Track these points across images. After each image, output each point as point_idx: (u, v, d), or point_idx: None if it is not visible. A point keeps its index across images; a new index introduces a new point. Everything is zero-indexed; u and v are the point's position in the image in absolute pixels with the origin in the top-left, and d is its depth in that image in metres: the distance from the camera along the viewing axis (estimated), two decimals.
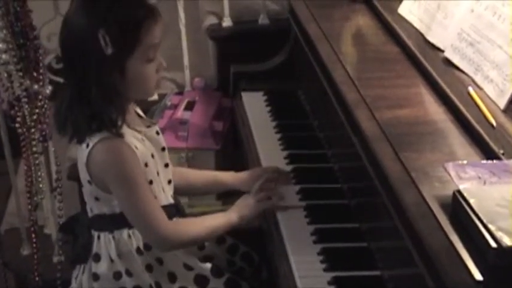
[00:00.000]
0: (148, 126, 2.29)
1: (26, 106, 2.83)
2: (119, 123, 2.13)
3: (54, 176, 3.02)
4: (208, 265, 2.33)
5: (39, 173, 2.99)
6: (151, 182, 2.23)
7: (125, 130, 2.18)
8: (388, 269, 2.03)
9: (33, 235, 3.06)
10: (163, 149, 2.31)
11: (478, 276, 1.52)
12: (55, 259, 3.09)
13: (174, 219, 2.31)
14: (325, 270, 2.11)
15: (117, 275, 2.26)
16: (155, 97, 3.37)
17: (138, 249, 2.25)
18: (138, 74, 2.14)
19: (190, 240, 2.29)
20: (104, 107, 2.11)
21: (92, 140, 2.15)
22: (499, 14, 2.16)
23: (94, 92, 2.10)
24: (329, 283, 2.06)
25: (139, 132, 2.23)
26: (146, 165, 2.21)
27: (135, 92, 2.20)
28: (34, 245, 3.06)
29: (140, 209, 2.18)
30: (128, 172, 2.15)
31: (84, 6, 2.13)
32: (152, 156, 2.24)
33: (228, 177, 2.53)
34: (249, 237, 2.51)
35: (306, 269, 2.12)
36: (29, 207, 3.04)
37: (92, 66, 2.09)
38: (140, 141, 2.21)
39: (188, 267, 2.31)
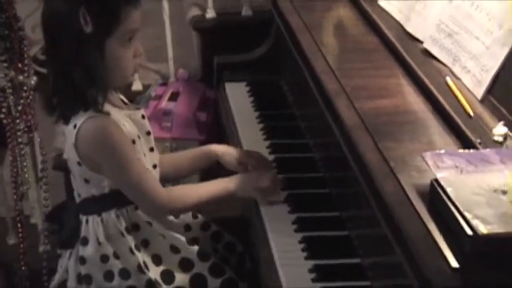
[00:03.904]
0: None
1: (11, 97, 2.83)
2: (101, 101, 2.15)
3: (39, 166, 3.02)
4: (195, 248, 2.34)
5: (24, 164, 3.00)
6: (138, 159, 2.24)
7: (111, 109, 2.20)
8: (368, 257, 2.04)
9: (19, 225, 3.06)
10: (148, 133, 2.33)
11: (455, 263, 1.52)
12: (41, 248, 3.10)
13: (168, 186, 2.34)
14: (306, 258, 2.11)
15: (105, 258, 2.26)
16: (139, 87, 3.39)
17: (126, 229, 2.26)
18: (116, 56, 2.16)
19: (186, 206, 2.34)
20: (86, 86, 2.13)
21: (79, 120, 2.16)
22: (476, 5, 2.16)
23: (76, 72, 2.12)
24: (310, 271, 2.06)
25: (124, 114, 2.25)
26: (134, 142, 2.22)
27: (113, 75, 2.20)
28: (20, 235, 3.06)
29: (133, 181, 2.21)
30: (117, 147, 2.17)
31: None
32: (138, 137, 2.25)
33: (219, 148, 2.52)
34: (233, 225, 2.52)
35: (288, 258, 2.12)
36: (15, 197, 3.04)
37: (72, 45, 2.11)
38: (126, 121, 2.23)
39: (175, 250, 2.32)
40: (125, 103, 2.35)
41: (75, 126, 2.18)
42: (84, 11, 2.08)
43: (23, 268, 3.08)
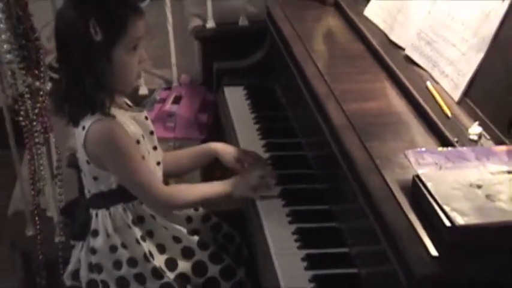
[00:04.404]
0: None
1: (29, 101, 2.83)
2: (108, 105, 2.15)
3: (55, 164, 3.02)
4: (196, 238, 2.34)
5: (41, 162, 3.00)
6: (143, 158, 2.24)
7: (117, 112, 2.20)
8: (355, 246, 2.04)
9: (36, 218, 3.06)
10: (151, 132, 2.33)
11: (434, 252, 1.52)
12: (56, 239, 3.10)
13: (171, 184, 2.34)
14: (299, 248, 2.11)
15: (113, 248, 2.26)
16: (145, 92, 3.38)
17: (132, 222, 2.26)
18: (122, 63, 2.16)
19: (185, 203, 2.34)
20: (94, 91, 2.13)
21: (87, 122, 2.17)
22: (453, 15, 2.17)
23: (86, 79, 2.12)
24: (302, 259, 2.06)
25: (129, 116, 2.25)
26: (138, 142, 2.22)
27: (119, 80, 2.20)
28: (37, 227, 3.06)
29: (137, 179, 2.21)
30: (122, 147, 2.17)
31: (76, 1, 2.16)
32: (142, 137, 2.25)
33: (219, 146, 2.52)
34: (232, 218, 2.51)
35: (282, 247, 2.12)
36: (32, 192, 3.04)
37: (83, 53, 2.12)
38: (131, 122, 2.23)
39: (177, 240, 2.32)
40: (130, 106, 2.34)
41: (83, 128, 2.18)
42: (94, 22, 2.09)
43: (40, 257, 3.08)
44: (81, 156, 2.24)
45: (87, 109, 2.17)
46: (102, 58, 2.12)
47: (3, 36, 2.73)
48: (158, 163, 2.35)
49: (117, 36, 2.13)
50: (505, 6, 1.97)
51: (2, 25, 2.70)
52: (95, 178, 2.25)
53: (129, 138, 2.19)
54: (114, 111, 2.19)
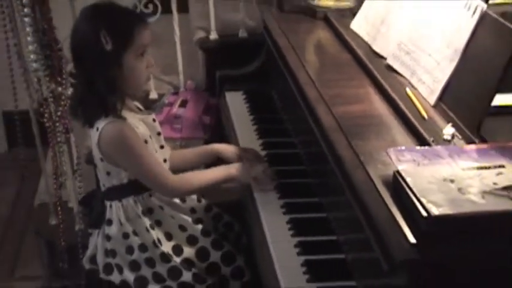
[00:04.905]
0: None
1: (52, 105, 2.84)
2: (119, 108, 2.16)
3: (75, 161, 3.03)
4: (200, 226, 2.34)
5: (62, 159, 3.00)
6: (150, 155, 2.24)
7: (127, 114, 2.21)
8: (343, 234, 2.04)
9: (58, 209, 3.07)
10: (158, 133, 2.33)
11: (412, 239, 1.53)
12: (76, 227, 3.10)
13: (180, 174, 2.33)
14: (292, 236, 2.11)
15: (126, 235, 2.27)
16: (155, 96, 3.37)
17: (142, 212, 2.27)
18: (131, 68, 2.17)
19: (194, 189, 2.34)
20: (107, 95, 2.14)
21: (101, 124, 2.17)
22: (429, 28, 2.16)
23: (99, 85, 2.13)
24: (295, 246, 2.07)
25: (138, 118, 2.25)
26: (146, 142, 2.22)
27: (129, 84, 2.20)
28: (59, 217, 3.07)
29: (147, 172, 2.22)
30: (131, 146, 2.17)
31: (88, 16, 2.17)
32: (150, 137, 2.25)
33: (220, 146, 2.52)
34: (232, 209, 2.51)
35: (277, 235, 2.12)
36: (55, 186, 3.05)
37: (96, 61, 2.12)
38: (140, 124, 2.23)
39: (182, 228, 2.32)
40: (140, 109, 2.35)
41: (97, 129, 2.18)
42: (105, 33, 2.10)
43: (62, 244, 3.09)
44: (96, 154, 2.25)
45: (100, 112, 2.17)
46: (113, 64, 2.13)
47: (30, 47, 2.74)
48: (165, 160, 2.35)
49: (125, 44, 2.14)
50: (474, 21, 1.97)
51: (29, 38, 2.71)
52: (108, 173, 2.26)
53: (138, 138, 2.19)
54: (125, 113, 2.20)
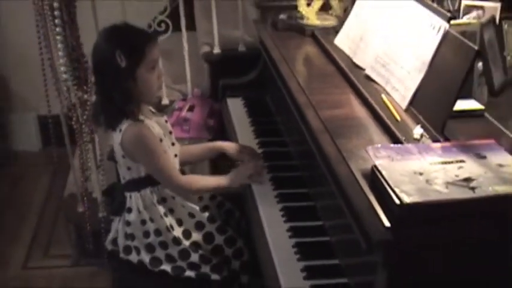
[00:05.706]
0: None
1: (79, 110, 2.83)
2: (136, 113, 2.16)
3: (98, 158, 3.02)
4: (206, 214, 2.34)
5: (88, 156, 3.00)
6: (165, 152, 2.24)
7: (144, 117, 2.21)
8: (328, 220, 2.05)
9: (85, 198, 3.07)
10: (170, 132, 2.33)
11: (387, 223, 1.53)
12: (100, 215, 3.10)
13: (188, 175, 2.33)
14: (285, 221, 2.12)
15: (143, 222, 2.27)
16: (167, 102, 3.37)
17: (157, 201, 2.26)
18: (145, 80, 2.16)
19: (197, 190, 2.33)
20: (123, 104, 2.14)
21: (123, 126, 2.18)
22: (401, 43, 2.16)
23: (116, 96, 2.13)
24: (287, 230, 2.07)
25: (153, 120, 2.25)
26: (161, 140, 2.22)
27: (144, 94, 2.20)
28: (86, 205, 3.07)
29: (160, 169, 2.21)
30: (149, 145, 2.17)
31: (105, 38, 2.16)
32: (164, 135, 2.25)
33: (223, 143, 2.52)
34: (234, 198, 2.50)
35: (272, 221, 2.13)
36: (82, 179, 3.06)
37: (113, 76, 2.12)
38: (155, 125, 2.23)
39: (191, 215, 2.32)
40: (153, 112, 2.35)
41: (120, 130, 2.18)
42: (119, 52, 2.10)
43: (88, 228, 3.10)
44: (118, 152, 2.24)
45: (120, 117, 2.17)
46: (128, 78, 2.13)
47: (61, 61, 2.75)
48: (176, 155, 2.34)
49: (137, 61, 2.13)
50: (438, 38, 1.97)
51: (60, 52, 2.72)
52: (128, 168, 2.26)
53: (154, 137, 2.19)
54: (142, 117, 2.20)
